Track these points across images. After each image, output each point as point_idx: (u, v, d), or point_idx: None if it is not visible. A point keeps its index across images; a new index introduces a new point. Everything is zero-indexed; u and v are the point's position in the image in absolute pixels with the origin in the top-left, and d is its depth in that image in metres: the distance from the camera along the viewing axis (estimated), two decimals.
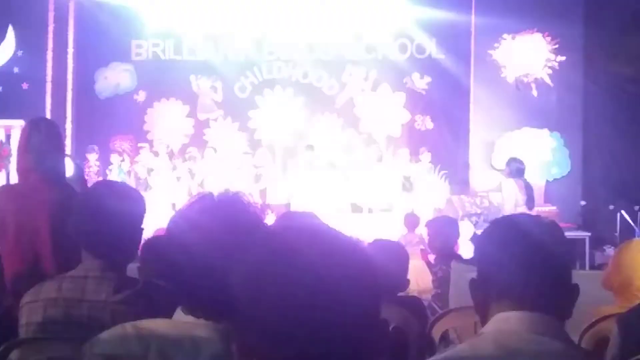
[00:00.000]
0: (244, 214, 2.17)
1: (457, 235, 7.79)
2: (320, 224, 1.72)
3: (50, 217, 4.08)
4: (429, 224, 8.05)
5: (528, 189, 11.99)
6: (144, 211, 3.24)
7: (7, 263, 4.04)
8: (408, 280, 5.18)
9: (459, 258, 7.13)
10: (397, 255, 5.13)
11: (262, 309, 1.48)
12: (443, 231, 7.48)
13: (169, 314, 2.10)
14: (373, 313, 1.55)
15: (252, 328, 1.51)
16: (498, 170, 14.14)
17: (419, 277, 8.85)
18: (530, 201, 11.89)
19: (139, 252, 3.72)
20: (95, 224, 2.99)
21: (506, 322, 2.12)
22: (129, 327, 2.08)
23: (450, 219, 8.40)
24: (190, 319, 2.05)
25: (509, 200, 11.97)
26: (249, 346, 1.53)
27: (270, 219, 15.00)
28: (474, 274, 2.28)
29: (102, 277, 2.93)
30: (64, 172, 4.58)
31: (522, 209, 11.49)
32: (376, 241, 5.32)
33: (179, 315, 2.07)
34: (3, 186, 4.84)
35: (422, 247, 10.91)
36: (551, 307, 2.12)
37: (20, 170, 4.42)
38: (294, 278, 1.47)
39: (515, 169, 12.14)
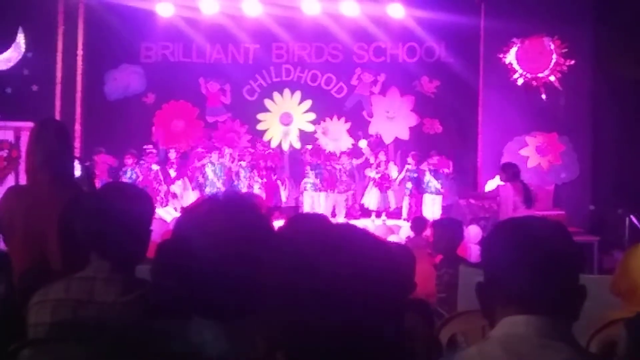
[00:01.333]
0: (251, 214, 2.17)
1: (462, 237, 7.80)
2: (344, 225, 1.74)
3: (59, 217, 4.08)
4: (434, 224, 8.10)
5: (526, 190, 12.20)
6: (152, 212, 3.25)
7: (15, 262, 4.06)
8: (415, 284, 5.18)
9: (465, 261, 7.12)
10: (404, 258, 5.14)
11: (296, 304, 1.50)
12: (447, 232, 7.50)
13: (177, 315, 2.11)
14: (399, 312, 1.56)
15: (284, 322, 1.52)
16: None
17: (426, 281, 8.84)
18: (528, 201, 12.07)
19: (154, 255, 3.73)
20: (103, 225, 2.99)
21: (514, 325, 2.12)
22: (137, 328, 2.09)
23: (455, 220, 8.41)
24: (198, 319, 2.05)
25: (507, 204, 12.13)
26: (278, 340, 1.54)
27: (278, 222, 15.08)
28: (481, 278, 2.28)
29: (111, 278, 2.94)
30: (73, 173, 4.59)
31: (522, 210, 11.64)
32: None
33: (188, 316, 2.08)
34: (12, 187, 4.83)
35: (429, 250, 10.91)
36: (559, 310, 2.12)
37: (28, 171, 4.43)
38: (328, 274, 1.48)
39: (512, 173, 12.35)
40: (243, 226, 2.09)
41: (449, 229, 7.59)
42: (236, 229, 2.08)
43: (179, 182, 16.91)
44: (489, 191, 13.81)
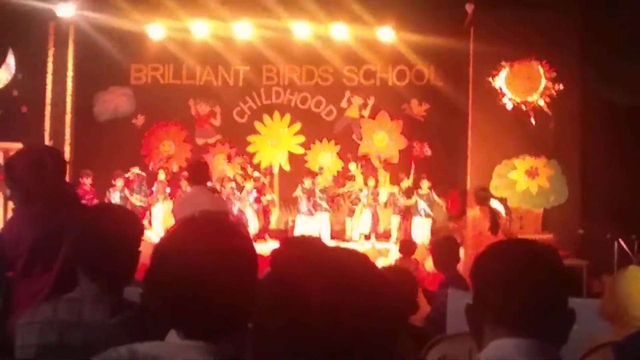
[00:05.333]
0: (230, 233, 2.17)
1: (458, 258, 7.80)
2: (339, 249, 1.74)
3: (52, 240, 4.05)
4: (433, 244, 8.14)
5: (493, 216, 12.23)
6: (141, 234, 3.24)
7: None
8: (418, 305, 5.19)
9: (465, 283, 7.10)
10: (407, 280, 5.14)
11: (287, 327, 1.50)
12: (444, 251, 7.51)
13: (164, 337, 2.10)
14: (389, 339, 1.55)
15: (274, 345, 1.52)
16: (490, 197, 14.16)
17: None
18: (494, 227, 12.10)
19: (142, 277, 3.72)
20: (91, 247, 2.98)
21: (502, 349, 2.11)
22: (123, 350, 2.07)
23: (452, 240, 8.41)
24: (184, 341, 2.05)
25: (473, 228, 12.20)
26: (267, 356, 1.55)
27: (269, 244, 15.05)
28: (470, 300, 2.27)
29: (99, 299, 2.93)
30: (69, 198, 4.57)
31: (487, 234, 11.70)
32: (387, 267, 5.34)
33: (173, 337, 2.07)
34: (20, 211, 4.72)
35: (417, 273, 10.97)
36: (547, 333, 2.12)
37: (32, 196, 4.36)
38: (322, 299, 1.48)
39: (482, 197, 12.40)
40: (223, 246, 2.09)
41: (447, 248, 7.61)
42: (215, 248, 2.08)
43: (166, 203, 16.86)
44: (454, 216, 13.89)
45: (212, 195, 9.84)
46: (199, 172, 9.39)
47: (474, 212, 12.51)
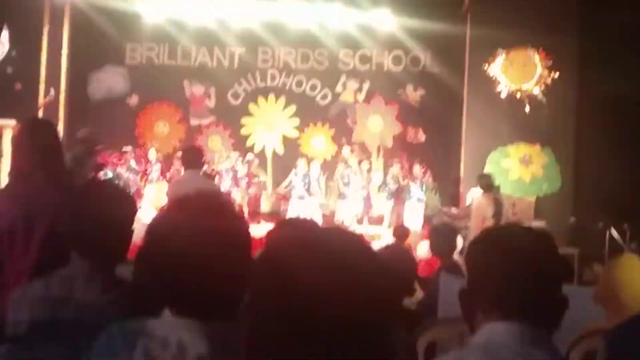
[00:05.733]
0: (224, 213, 2.16)
1: (455, 244, 7.80)
2: (334, 229, 1.73)
3: (53, 220, 4.02)
4: (431, 230, 8.14)
5: (497, 204, 12.23)
6: (134, 212, 3.22)
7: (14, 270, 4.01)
8: (414, 289, 5.19)
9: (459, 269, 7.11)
10: (406, 261, 5.14)
11: (281, 309, 1.49)
12: (443, 238, 7.52)
13: (157, 315, 2.09)
14: (383, 322, 1.55)
15: (265, 324, 1.52)
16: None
17: None
18: (497, 215, 12.11)
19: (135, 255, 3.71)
20: (83, 224, 2.96)
21: (494, 332, 2.11)
22: (114, 328, 2.07)
23: (450, 227, 8.42)
24: (177, 319, 2.04)
25: (477, 215, 12.21)
26: (259, 341, 1.54)
27: (263, 227, 15.04)
28: (462, 285, 2.27)
29: (91, 277, 2.91)
30: (66, 173, 4.55)
31: (490, 222, 11.70)
32: (387, 247, 5.34)
33: (166, 315, 2.06)
34: (4, 189, 4.66)
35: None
36: (540, 319, 2.12)
37: (19, 171, 4.34)
38: (316, 280, 1.47)
39: (485, 184, 12.41)
40: (217, 225, 2.09)
41: (444, 235, 7.61)
42: (209, 227, 2.07)
43: (159, 184, 16.82)
44: (459, 212, 13.87)
45: (206, 179, 9.89)
46: (193, 157, 9.45)
47: (476, 200, 12.52)
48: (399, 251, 5.45)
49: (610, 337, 3.15)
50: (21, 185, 4.28)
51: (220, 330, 2.00)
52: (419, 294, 7.52)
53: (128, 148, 17.33)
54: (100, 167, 12.20)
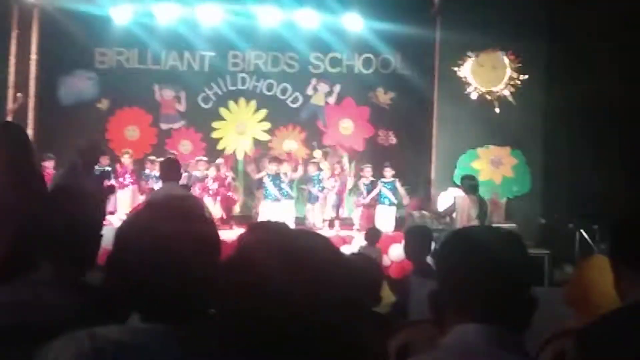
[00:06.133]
0: (192, 217, 2.16)
1: (429, 247, 7.79)
2: (304, 232, 1.73)
3: (19, 223, 3.99)
4: (406, 232, 8.14)
5: (482, 205, 12.29)
6: (103, 218, 3.21)
7: None
8: (380, 297, 5.18)
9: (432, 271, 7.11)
10: (372, 269, 5.13)
11: (252, 308, 1.49)
12: (418, 240, 7.52)
13: (125, 321, 2.08)
14: (351, 324, 1.55)
15: (239, 325, 1.52)
16: (458, 186, 14.22)
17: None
18: (482, 216, 12.17)
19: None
20: (51, 230, 2.95)
21: (465, 334, 2.11)
22: (82, 333, 2.05)
23: (425, 230, 8.42)
24: (146, 325, 2.03)
25: (462, 216, 12.24)
26: (232, 343, 1.54)
27: (235, 232, 15.00)
28: (433, 287, 2.27)
29: (59, 283, 2.89)
30: (37, 175, 4.51)
31: (475, 223, 11.73)
32: (354, 254, 5.33)
33: (135, 321, 2.05)
34: None
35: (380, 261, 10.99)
36: (509, 320, 2.12)
37: None
38: (287, 281, 1.48)
39: (468, 185, 12.47)
40: (185, 229, 2.08)
41: (419, 237, 7.61)
42: (178, 231, 2.06)
43: (132, 188, 16.73)
44: (445, 209, 13.85)
45: (183, 191, 9.90)
46: (170, 169, 9.50)
47: (460, 201, 12.56)
48: (366, 258, 5.44)
49: (580, 337, 3.17)
50: None
51: (190, 334, 1.99)
52: (392, 297, 7.54)
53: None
54: (111, 189, 12.08)
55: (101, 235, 3.14)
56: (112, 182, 15.07)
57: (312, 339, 1.48)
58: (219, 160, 17.37)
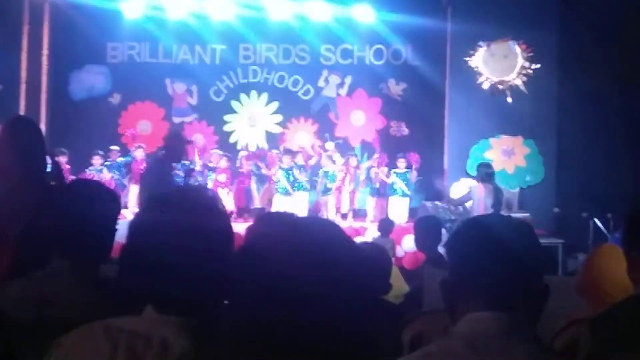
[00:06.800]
0: (206, 208, 2.17)
1: (440, 237, 7.78)
2: (313, 219, 1.74)
3: (29, 218, 4.00)
4: (416, 223, 8.13)
5: (497, 193, 12.22)
6: (118, 212, 3.21)
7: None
8: (390, 285, 5.18)
9: (444, 261, 7.10)
10: (379, 259, 5.13)
11: (262, 300, 1.50)
12: (428, 231, 7.52)
13: (139, 313, 2.09)
14: (366, 311, 1.56)
15: (249, 318, 1.52)
16: (472, 176, 14.19)
17: (393, 282, 8.85)
18: (497, 205, 12.10)
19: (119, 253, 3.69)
20: (66, 223, 2.95)
21: (477, 322, 2.12)
22: (97, 325, 2.07)
23: (434, 220, 8.41)
24: (159, 316, 2.04)
25: (478, 205, 12.17)
26: (243, 336, 1.55)
27: (244, 225, 14.98)
28: (445, 276, 2.28)
29: (73, 277, 2.90)
30: (45, 172, 4.53)
31: (490, 212, 11.69)
32: (364, 243, 5.33)
33: (149, 312, 2.06)
34: None
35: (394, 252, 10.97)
36: (522, 307, 2.13)
37: (1, 171, 4.32)
38: (296, 271, 1.48)
39: (484, 173, 12.38)
40: (198, 221, 2.09)
41: (428, 228, 7.61)
42: (190, 224, 2.07)
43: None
44: (461, 197, 13.79)
45: (167, 169, 9.75)
46: (174, 146, 9.30)
47: (475, 189, 12.51)
48: (374, 247, 5.45)
49: (594, 325, 3.17)
50: (1, 184, 4.27)
51: (203, 326, 2.00)
52: (405, 287, 7.54)
53: (115, 147, 17.20)
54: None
55: (116, 229, 3.15)
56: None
57: (323, 327, 1.49)
58: (242, 154, 17.33)
